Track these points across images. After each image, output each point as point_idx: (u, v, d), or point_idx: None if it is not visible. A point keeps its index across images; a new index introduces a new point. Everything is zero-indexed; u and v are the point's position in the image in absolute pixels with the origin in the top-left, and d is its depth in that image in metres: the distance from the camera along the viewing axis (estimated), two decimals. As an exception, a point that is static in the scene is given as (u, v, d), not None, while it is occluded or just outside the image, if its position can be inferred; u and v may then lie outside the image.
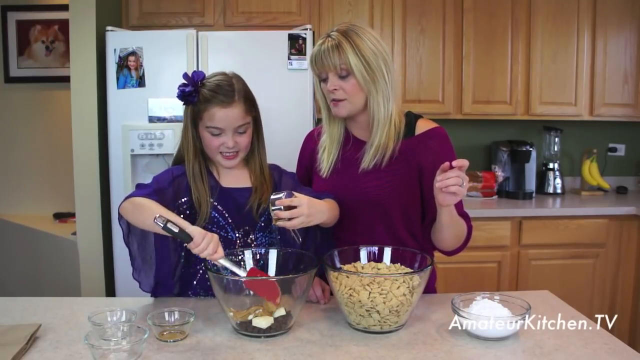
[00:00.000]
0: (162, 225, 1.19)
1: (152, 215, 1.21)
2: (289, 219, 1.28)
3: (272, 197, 1.29)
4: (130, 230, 1.39)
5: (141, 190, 1.40)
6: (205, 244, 1.20)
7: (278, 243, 1.49)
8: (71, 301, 1.44)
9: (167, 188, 1.42)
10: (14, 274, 3.19)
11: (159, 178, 1.46)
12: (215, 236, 1.23)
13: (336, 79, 1.42)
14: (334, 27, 1.45)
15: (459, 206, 1.41)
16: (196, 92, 1.41)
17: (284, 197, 1.28)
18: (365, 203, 1.49)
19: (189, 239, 1.20)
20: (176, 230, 1.20)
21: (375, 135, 1.46)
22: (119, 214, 1.38)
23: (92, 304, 1.40)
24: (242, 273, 1.24)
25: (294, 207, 1.28)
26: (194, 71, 1.43)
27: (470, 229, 1.48)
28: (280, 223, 1.29)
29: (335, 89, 1.42)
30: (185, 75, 1.42)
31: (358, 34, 1.40)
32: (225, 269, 1.24)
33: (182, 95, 1.42)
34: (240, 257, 1.36)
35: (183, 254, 1.44)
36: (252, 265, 1.35)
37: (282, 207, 1.27)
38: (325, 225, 1.43)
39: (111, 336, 1.13)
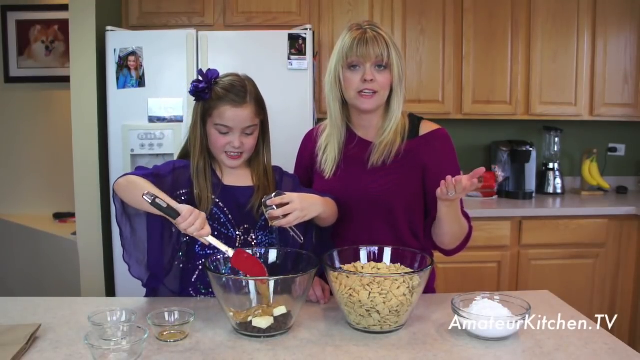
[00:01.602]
0: (150, 201, 1.21)
1: (143, 192, 1.23)
2: (284, 217, 1.28)
3: (263, 199, 1.31)
4: (124, 210, 1.40)
5: (139, 171, 1.43)
6: (192, 218, 1.22)
7: (278, 244, 1.49)
8: (71, 301, 1.44)
9: (167, 176, 1.44)
10: (14, 274, 3.19)
11: (159, 166, 1.49)
12: (203, 214, 1.26)
13: (373, 69, 1.42)
14: (361, 23, 1.47)
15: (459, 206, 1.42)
16: (209, 89, 1.43)
17: (274, 196, 1.30)
18: (369, 201, 1.49)
19: (176, 214, 1.22)
20: (164, 205, 1.22)
21: (385, 133, 1.48)
22: (113, 190, 1.40)
23: (92, 304, 1.40)
24: (229, 252, 1.26)
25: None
26: (209, 69, 1.45)
27: (470, 229, 1.48)
28: (276, 223, 1.30)
29: (372, 79, 1.42)
30: (200, 72, 1.44)
31: (387, 34, 1.45)
32: (213, 247, 1.27)
33: (195, 91, 1.44)
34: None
35: (181, 246, 1.44)
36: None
37: (275, 207, 1.28)
38: (324, 221, 1.44)
39: (111, 336, 1.13)
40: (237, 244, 1.45)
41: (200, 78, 1.44)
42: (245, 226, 1.47)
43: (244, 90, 1.43)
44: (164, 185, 1.40)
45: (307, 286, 1.24)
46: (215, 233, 1.44)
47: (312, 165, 1.61)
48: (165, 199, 1.25)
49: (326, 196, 1.46)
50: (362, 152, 1.52)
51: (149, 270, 1.42)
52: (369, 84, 1.43)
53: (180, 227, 1.23)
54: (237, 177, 1.51)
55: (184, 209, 1.23)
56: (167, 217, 1.25)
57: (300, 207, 1.30)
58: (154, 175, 1.40)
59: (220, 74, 1.47)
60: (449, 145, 1.53)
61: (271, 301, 1.21)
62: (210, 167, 1.48)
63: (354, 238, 1.48)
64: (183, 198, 1.44)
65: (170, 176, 1.45)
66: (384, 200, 1.48)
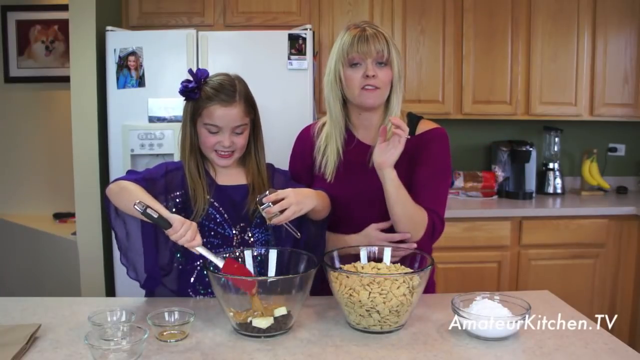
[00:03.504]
0: (141, 211, 1.22)
1: (134, 199, 1.24)
2: (281, 212, 1.28)
3: (257, 198, 1.31)
4: (117, 214, 1.41)
5: (130, 175, 1.43)
6: (183, 230, 1.23)
7: (273, 242, 1.49)
8: (71, 301, 1.44)
9: (159, 180, 1.44)
10: (14, 274, 3.19)
11: (151, 169, 1.49)
12: (194, 224, 1.26)
13: (374, 65, 1.43)
14: (358, 23, 1.48)
15: (427, 200, 1.44)
16: (198, 89, 1.43)
17: (268, 194, 1.30)
18: (370, 202, 1.49)
19: (168, 225, 1.23)
20: (155, 216, 1.22)
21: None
22: (105, 196, 1.40)
23: (92, 304, 1.40)
24: (219, 262, 1.26)
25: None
26: (199, 69, 1.45)
27: (430, 221, 1.45)
28: (274, 220, 1.30)
29: (374, 75, 1.42)
30: (190, 71, 1.44)
31: (386, 32, 1.47)
32: (204, 256, 1.27)
33: (185, 91, 1.44)
34: (238, 255, 1.36)
35: (178, 248, 1.44)
36: (251, 264, 1.35)
37: (270, 204, 1.28)
38: (318, 214, 1.43)
39: (111, 336, 1.13)
40: (234, 243, 1.45)
41: (190, 78, 1.44)
42: (242, 225, 1.47)
43: (233, 90, 1.43)
44: (156, 188, 1.40)
45: (307, 286, 1.24)
46: (212, 233, 1.44)
47: (312, 165, 1.60)
48: (156, 208, 1.25)
49: (318, 190, 1.46)
50: (361, 155, 1.51)
51: (146, 272, 1.42)
52: (371, 80, 1.43)
53: (171, 238, 1.25)
54: (231, 176, 1.51)
55: (175, 219, 1.24)
56: (158, 225, 1.25)
57: (296, 200, 1.30)
58: (146, 180, 1.40)
59: (210, 74, 1.47)
60: (444, 144, 1.52)
61: (262, 310, 1.21)
62: (203, 168, 1.49)
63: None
64: (177, 200, 1.44)
65: (163, 179, 1.45)
66: (384, 201, 1.48)
